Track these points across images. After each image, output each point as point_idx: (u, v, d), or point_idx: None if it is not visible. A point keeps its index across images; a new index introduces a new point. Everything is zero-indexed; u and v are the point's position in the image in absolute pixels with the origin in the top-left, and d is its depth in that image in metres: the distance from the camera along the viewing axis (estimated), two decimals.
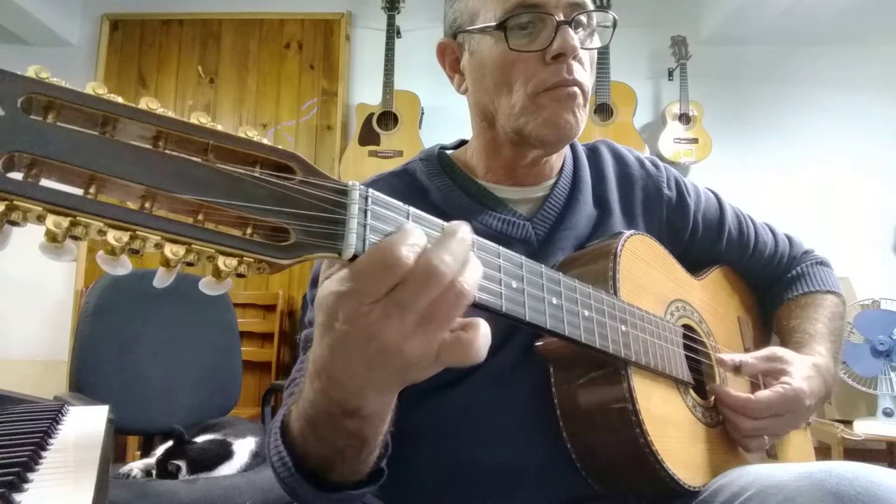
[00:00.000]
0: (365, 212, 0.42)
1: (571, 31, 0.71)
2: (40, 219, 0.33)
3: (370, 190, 0.43)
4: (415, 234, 0.41)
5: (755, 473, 0.60)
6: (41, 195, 0.33)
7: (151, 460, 1.50)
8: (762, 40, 3.05)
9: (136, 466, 1.49)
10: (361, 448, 0.53)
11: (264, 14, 3.23)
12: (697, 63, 3.00)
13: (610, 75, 2.87)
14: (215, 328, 1.95)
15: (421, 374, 0.44)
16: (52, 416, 0.74)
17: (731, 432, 0.77)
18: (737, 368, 0.79)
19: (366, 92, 3.12)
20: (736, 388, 0.84)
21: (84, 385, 1.60)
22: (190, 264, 0.37)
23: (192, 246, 0.36)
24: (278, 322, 2.90)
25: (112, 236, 0.34)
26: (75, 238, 0.34)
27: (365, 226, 0.42)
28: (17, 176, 0.33)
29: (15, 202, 0.32)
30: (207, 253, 0.37)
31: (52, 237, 0.33)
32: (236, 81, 3.20)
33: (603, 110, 2.89)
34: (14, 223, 0.33)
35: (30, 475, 0.52)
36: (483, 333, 0.43)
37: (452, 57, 0.82)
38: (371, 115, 2.93)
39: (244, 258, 0.38)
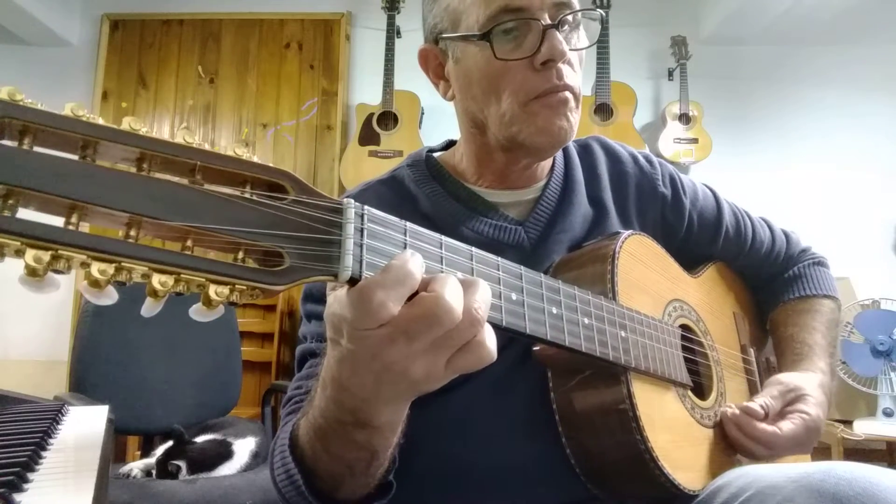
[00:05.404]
0: (361, 231, 0.41)
1: (559, 35, 0.68)
2: (19, 253, 0.31)
3: (366, 208, 0.42)
4: (399, 277, 0.40)
5: (754, 474, 0.60)
6: (18, 228, 0.31)
7: (151, 460, 1.50)
8: (762, 40, 3.05)
9: (136, 466, 1.49)
10: (371, 461, 0.53)
11: (264, 14, 3.22)
12: (697, 63, 2.99)
13: (610, 75, 2.87)
14: (215, 328, 1.95)
15: (431, 386, 0.44)
16: (52, 416, 0.74)
17: (739, 451, 0.76)
18: (766, 415, 0.77)
19: (366, 92, 3.11)
20: (733, 388, 0.84)
21: (84, 385, 1.60)
22: (179, 294, 0.35)
23: (181, 275, 0.35)
24: (278, 322, 2.90)
25: (96, 269, 0.32)
26: (57, 272, 0.32)
27: (361, 245, 0.41)
28: None
29: None
30: (197, 282, 0.35)
31: (31, 272, 0.31)
32: (236, 81, 3.19)
33: (603, 110, 2.89)
34: None
35: (30, 475, 0.52)
36: (489, 331, 0.43)
37: (436, 63, 0.79)
38: (371, 115, 2.93)
39: (236, 286, 0.36)
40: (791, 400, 0.78)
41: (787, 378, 0.82)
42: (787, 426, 0.75)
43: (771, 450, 0.74)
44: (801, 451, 0.78)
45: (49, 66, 3.12)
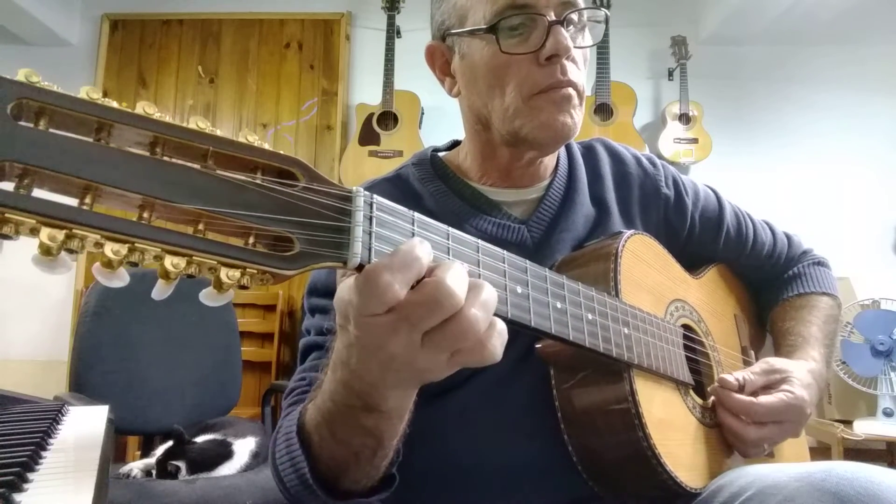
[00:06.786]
0: (370, 219, 0.42)
1: (564, 31, 0.69)
2: (34, 232, 0.31)
3: (374, 196, 0.42)
4: (407, 261, 0.40)
5: (755, 474, 0.60)
6: (34, 207, 0.31)
7: (151, 460, 1.50)
8: (762, 40, 3.05)
9: (136, 466, 1.49)
10: (377, 449, 0.53)
11: (264, 14, 3.23)
12: (697, 63, 3.00)
13: (610, 75, 2.87)
14: (215, 328, 1.95)
15: (436, 377, 0.44)
16: (52, 416, 0.74)
17: (730, 440, 0.76)
18: (741, 388, 0.76)
19: (366, 92, 3.12)
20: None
21: (84, 385, 1.60)
22: (191, 276, 0.36)
23: (193, 257, 0.35)
24: (278, 322, 2.90)
25: (109, 249, 0.33)
26: (71, 251, 0.32)
27: (370, 233, 0.41)
28: (7, 186, 0.31)
29: (7, 214, 0.31)
30: (209, 265, 0.36)
31: (45, 250, 0.32)
32: (236, 81, 3.20)
33: (603, 110, 2.89)
34: (6, 237, 0.31)
35: (30, 475, 0.52)
36: (499, 331, 0.43)
37: (442, 60, 0.80)
38: (371, 115, 2.93)
39: (247, 269, 0.37)
40: (775, 381, 0.78)
41: (776, 360, 0.81)
42: (765, 398, 0.74)
43: (747, 421, 0.73)
44: (786, 432, 0.76)
45: (49, 66, 3.12)
